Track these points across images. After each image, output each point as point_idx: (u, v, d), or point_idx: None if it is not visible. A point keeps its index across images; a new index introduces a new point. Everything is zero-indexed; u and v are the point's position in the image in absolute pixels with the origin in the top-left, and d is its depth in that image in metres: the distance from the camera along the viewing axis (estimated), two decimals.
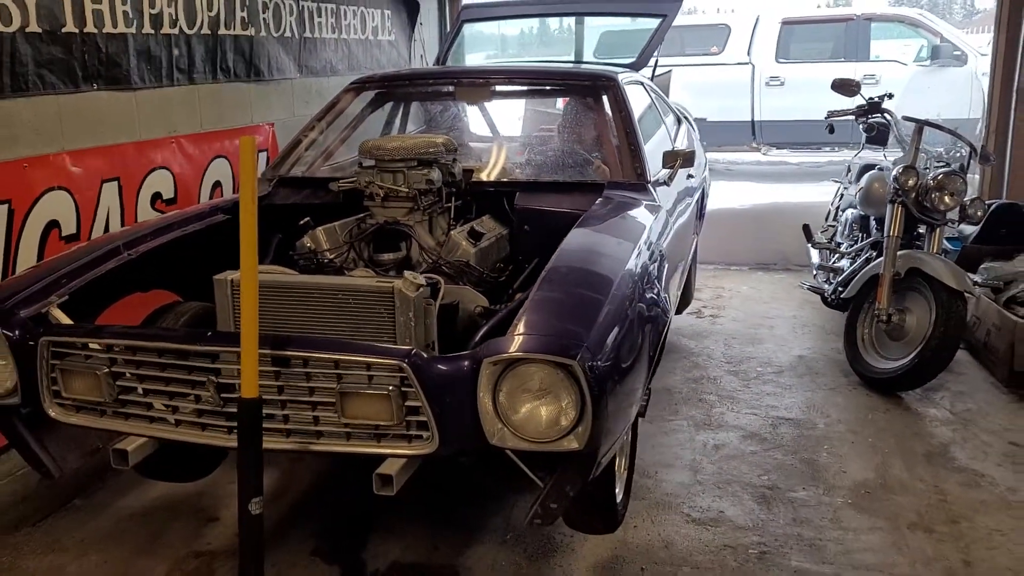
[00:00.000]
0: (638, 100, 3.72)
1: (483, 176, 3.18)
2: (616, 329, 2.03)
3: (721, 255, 6.03)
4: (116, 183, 3.15)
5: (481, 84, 3.68)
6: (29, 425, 2.29)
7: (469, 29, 5.09)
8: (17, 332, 2.16)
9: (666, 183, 3.27)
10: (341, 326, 2.25)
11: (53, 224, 2.89)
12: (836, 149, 8.92)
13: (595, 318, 2.00)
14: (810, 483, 3.07)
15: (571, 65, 4.74)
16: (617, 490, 2.55)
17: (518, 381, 1.87)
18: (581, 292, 2.17)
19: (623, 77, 3.64)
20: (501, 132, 4.06)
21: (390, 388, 1.91)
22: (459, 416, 1.90)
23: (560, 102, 4.28)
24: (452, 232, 2.80)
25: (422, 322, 2.23)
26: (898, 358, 3.78)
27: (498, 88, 3.73)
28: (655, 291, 2.48)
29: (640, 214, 2.83)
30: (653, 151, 3.37)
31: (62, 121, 2.91)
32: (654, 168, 3.22)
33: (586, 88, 3.63)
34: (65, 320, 2.26)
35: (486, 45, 17.14)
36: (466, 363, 1.89)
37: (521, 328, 1.95)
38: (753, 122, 9.72)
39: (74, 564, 2.68)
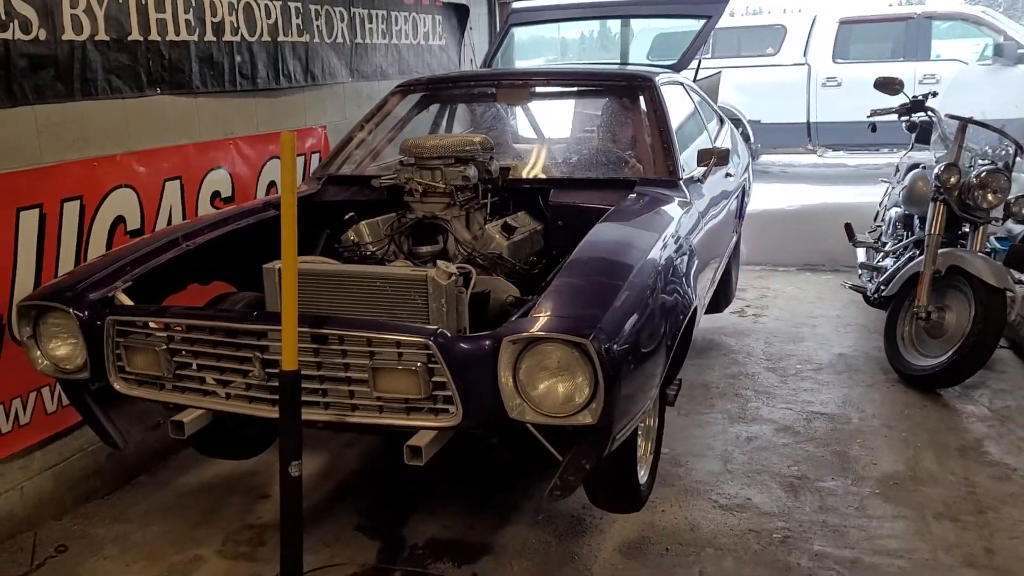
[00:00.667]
0: (676, 100, 3.78)
1: (520, 174, 3.30)
2: (634, 315, 2.13)
3: (768, 256, 6.04)
4: (178, 182, 3.34)
5: (521, 86, 3.80)
6: (97, 400, 2.51)
7: (528, 33, 5.16)
8: (86, 313, 2.36)
9: (700, 181, 3.34)
10: (379, 312, 2.37)
11: (120, 219, 3.09)
12: (894, 150, 8.75)
13: (611, 302, 2.11)
14: (839, 474, 3.11)
15: (612, 66, 4.83)
16: (641, 472, 2.66)
17: (536, 359, 1.99)
18: (600, 279, 2.28)
19: (661, 78, 3.71)
20: (541, 132, 4.17)
21: (418, 364, 2.04)
22: (481, 391, 2.02)
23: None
24: (487, 226, 2.92)
25: (454, 308, 2.35)
26: (937, 355, 3.78)
27: (538, 90, 3.84)
28: (680, 283, 2.56)
29: (668, 209, 2.91)
30: (690, 151, 3.45)
31: (128, 123, 3.11)
32: (689, 167, 3.30)
33: (623, 88, 3.71)
34: (129, 303, 2.45)
35: (546, 49, 17.31)
36: (487, 342, 2.02)
37: (540, 310, 2.07)
38: (809, 124, 9.61)
39: (138, 533, 2.89)
